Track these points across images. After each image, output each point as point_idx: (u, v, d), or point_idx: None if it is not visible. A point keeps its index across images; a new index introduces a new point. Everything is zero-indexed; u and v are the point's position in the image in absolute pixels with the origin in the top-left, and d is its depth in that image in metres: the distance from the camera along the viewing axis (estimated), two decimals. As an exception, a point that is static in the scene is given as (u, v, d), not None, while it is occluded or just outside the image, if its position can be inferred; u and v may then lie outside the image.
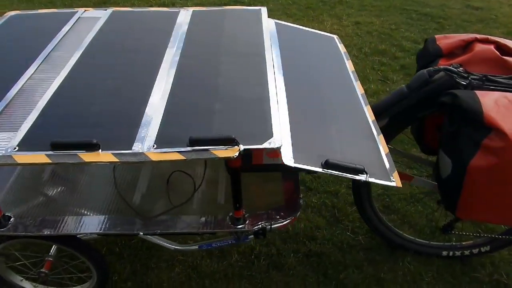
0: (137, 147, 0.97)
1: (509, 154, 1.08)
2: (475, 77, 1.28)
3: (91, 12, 1.66)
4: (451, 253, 1.69)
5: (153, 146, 0.97)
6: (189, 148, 0.96)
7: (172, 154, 0.96)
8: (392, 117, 1.41)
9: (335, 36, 1.76)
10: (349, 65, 1.55)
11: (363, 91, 1.41)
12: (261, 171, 1.36)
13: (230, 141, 0.96)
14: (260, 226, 1.19)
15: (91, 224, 1.21)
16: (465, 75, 1.28)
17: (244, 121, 1.05)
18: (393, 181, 1.06)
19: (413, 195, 1.96)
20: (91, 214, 1.25)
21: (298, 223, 1.80)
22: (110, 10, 1.67)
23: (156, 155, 0.95)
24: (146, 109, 1.09)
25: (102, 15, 1.63)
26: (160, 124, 1.04)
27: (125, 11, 1.67)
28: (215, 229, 1.19)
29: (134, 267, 1.63)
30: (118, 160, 0.94)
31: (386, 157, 1.14)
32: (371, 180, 1.03)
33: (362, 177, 1.03)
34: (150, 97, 1.14)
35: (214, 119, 1.05)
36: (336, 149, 1.09)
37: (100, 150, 0.96)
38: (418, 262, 1.68)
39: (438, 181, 1.33)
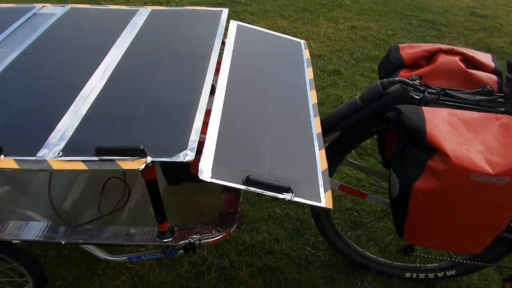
0: (41, 154, 0.91)
1: (451, 178, 0.98)
2: (432, 90, 1.19)
3: (49, 8, 1.61)
4: (414, 275, 1.59)
5: (59, 153, 0.91)
6: (95, 158, 0.90)
7: (76, 164, 0.89)
8: (346, 130, 1.33)
9: (302, 41, 1.68)
10: (309, 73, 1.46)
11: (316, 101, 1.32)
12: (201, 181, 1.29)
13: (138, 152, 0.89)
14: (188, 241, 1.12)
15: (13, 230, 1.16)
16: (422, 88, 1.19)
17: (162, 130, 0.98)
18: (323, 201, 0.98)
19: (383, 210, 1.87)
20: (19, 220, 1.20)
21: (257, 235, 1.72)
22: (68, 7, 1.62)
23: (58, 164, 0.89)
24: (66, 113, 1.03)
25: (58, 11, 1.58)
26: (74, 130, 0.98)
27: (83, 8, 1.62)
28: (140, 241, 1.12)
29: (80, 272, 1.58)
30: (19, 168, 0.89)
31: (322, 174, 1.06)
32: (297, 199, 0.95)
33: (286, 196, 0.95)
34: (75, 101, 1.08)
35: (132, 127, 0.99)
36: (265, 164, 1.01)
37: (3, 155, 0.91)
38: (379, 283, 1.59)
39: (390, 200, 1.24)
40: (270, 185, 0.95)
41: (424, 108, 1.06)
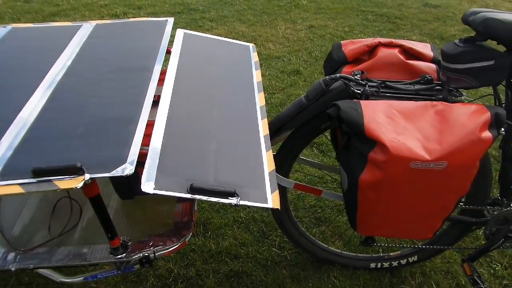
0: (-25, 180, 0.89)
1: (392, 167, 1.01)
2: (373, 84, 1.22)
3: (-11, 30, 1.57)
4: (379, 265, 1.62)
5: (-6, 178, 0.89)
6: (32, 180, 0.88)
7: (12, 187, 0.87)
8: (296, 129, 1.35)
9: (250, 45, 1.69)
10: (257, 75, 1.48)
11: (264, 103, 1.34)
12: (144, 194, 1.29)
13: (75, 170, 0.88)
14: (142, 255, 1.11)
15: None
16: (363, 82, 1.22)
17: (102, 146, 0.97)
18: (269, 202, 0.99)
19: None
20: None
21: (222, 241, 1.72)
22: (9, 27, 1.58)
23: (-8, 189, 0.87)
24: (3, 137, 1.01)
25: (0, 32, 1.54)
26: (12, 154, 0.96)
27: (25, 27, 1.58)
28: (93, 260, 1.10)
29: (43, 297, 1.54)
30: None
31: (269, 175, 1.07)
32: (243, 203, 0.96)
33: (232, 201, 0.95)
34: (13, 123, 1.05)
35: (71, 146, 0.97)
36: (210, 170, 1.01)
37: None
38: (345, 277, 1.61)
39: (343, 194, 1.27)
40: (215, 191, 0.95)
41: (362, 102, 1.09)
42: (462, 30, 3.74)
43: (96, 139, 0.99)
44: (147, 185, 0.91)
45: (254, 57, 1.60)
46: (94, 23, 1.60)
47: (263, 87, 2.81)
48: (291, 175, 2.08)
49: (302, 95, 1.30)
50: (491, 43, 1.14)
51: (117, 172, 0.89)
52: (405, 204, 1.09)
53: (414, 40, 2.15)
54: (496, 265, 1.71)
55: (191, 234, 1.18)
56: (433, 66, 1.28)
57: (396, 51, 1.30)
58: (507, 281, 1.65)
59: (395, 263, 1.60)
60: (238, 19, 3.90)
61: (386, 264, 1.61)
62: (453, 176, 1.03)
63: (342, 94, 1.23)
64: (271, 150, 1.15)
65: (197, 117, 1.18)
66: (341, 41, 1.40)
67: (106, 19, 1.66)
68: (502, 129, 1.21)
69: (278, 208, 0.99)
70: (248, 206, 0.98)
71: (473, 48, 1.11)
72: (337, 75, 1.23)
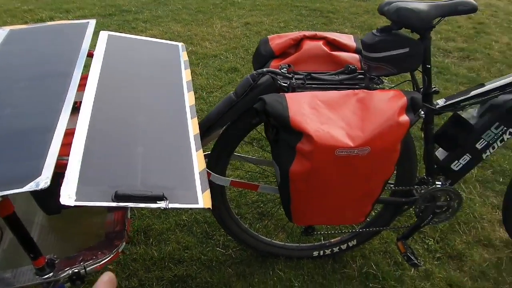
0: None
1: (319, 157, 1.04)
2: (299, 76, 1.23)
3: None
4: (321, 253, 1.66)
5: None
6: None
7: None
8: (228, 126, 1.34)
9: (180, 44, 1.66)
10: (186, 75, 1.45)
11: (194, 103, 1.31)
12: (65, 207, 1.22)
13: None
14: (71, 272, 1.05)
15: None
16: (289, 75, 1.23)
17: (14, 160, 0.90)
18: (200, 202, 0.97)
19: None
20: None
21: (165, 247, 1.68)
22: None
23: None
24: None
25: None
26: None
27: None
28: (17, 284, 1.03)
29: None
30: None
31: (200, 175, 1.05)
32: (172, 206, 0.93)
33: (160, 205, 0.93)
34: None
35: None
36: (137, 175, 0.98)
37: None
38: (290, 268, 1.63)
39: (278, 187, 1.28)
40: (142, 197, 0.91)
41: (287, 95, 1.10)
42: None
43: (8, 152, 0.92)
44: (67, 197, 0.86)
45: (184, 56, 1.57)
46: (7, 29, 1.49)
47: (201, 86, 2.78)
48: (232, 172, 2.07)
49: (231, 92, 1.30)
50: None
51: (31, 186, 0.83)
52: (335, 191, 1.12)
53: (346, 33, 2.23)
54: (429, 240, 1.81)
55: (124, 243, 1.13)
56: (357, 56, 1.32)
57: (320, 43, 1.33)
58: (440, 254, 1.76)
59: (336, 249, 1.65)
60: (173, 19, 3.83)
61: (328, 251, 1.65)
62: (377, 160, 1.07)
63: (270, 88, 1.23)
64: (201, 150, 1.14)
65: (121, 122, 1.13)
66: (268, 36, 1.41)
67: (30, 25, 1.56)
68: (422, 112, 1.28)
69: (209, 208, 0.98)
70: (178, 209, 0.95)
71: (389, 37, 1.17)
72: (264, 69, 1.24)
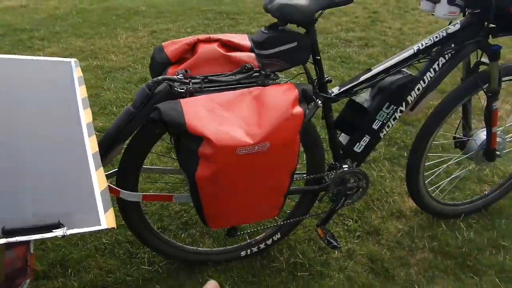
0: None
1: (221, 158, 1.04)
2: (196, 81, 1.23)
3: None
4: (249, 252, 1.67)
5: None
6: None
7: None
8: (132, 140, 1.29)
9: (72, 60, 1.57)
10: (81, 92, 1.37)
11: (91, 120, 1.25)
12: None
13: None
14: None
15: None
16: (186, 80, 1.22)
17: None
18: (103, 223, 0.92)
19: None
20: None
21: (86, 275, 1.58)
22: None
23: None
24: None
25: None
26: None
27: None
28: None
29: None
30: None
31: (101, 194, 1.00)
32: (71, 232, 0.88)
33: (57, 233, 0.87)
34: None
35: None
36: (28, 206, 0.91)
37: None
38: (220, 272, 1.62)
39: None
40: (34, 228, 0.85)
41: (182, 101, 1.09)
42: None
43: None
44: None
45: (77, 73, 1.48)
46: None
47: (110, 101, 2.67)
48: (152, 185, 2.02)
49: (130, 104, 1.26)
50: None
51: None
52: (244, 189, 1.13)
53: (252, 33, 2.27)
54: (348, 221, 1.91)
55: (28, 281, 1.04)
56: (252, 54, 1.35)
57: (215, 45, 1.34)
58: (359, 232, 1.86)
59: (262, 245, 1.67)
60: (73, 34, 3.63)
61: (255, 249, 1.67)
62: (279, 153, 1.10)
63: (168, 95, 1.21)
64: (101, 168, 1.08)
65: (6, 151, 1.04)
66: (162, 43, 1.39)
67: None
68: (319, 101, 1.34)
69: (114, 227, 0.93)
70: (80, 233, 0.90)
71: (276, 34, 1.20)
72: (159, 77, 1.22)
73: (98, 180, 1.04)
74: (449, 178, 2.07)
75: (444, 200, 2.00)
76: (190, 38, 1.36)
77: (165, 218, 1.85)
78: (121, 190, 1.29)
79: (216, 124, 1.04)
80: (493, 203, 2.02)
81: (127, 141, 1.32)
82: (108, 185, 1.27)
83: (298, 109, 1.10)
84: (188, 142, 1.06)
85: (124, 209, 1.41)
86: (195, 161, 1.07)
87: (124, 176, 1.34)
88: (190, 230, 1.80)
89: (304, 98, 1.14)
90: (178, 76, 1.22)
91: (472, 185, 2.17)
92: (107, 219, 0.94)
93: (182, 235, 1.77)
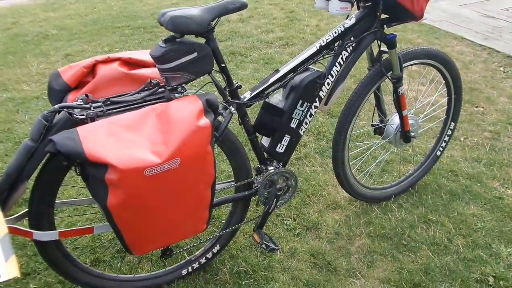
0: None
1: (130, 182, 0.99)
2: (97, 104, 1.16)
3: None
4: (190, 269, 1.62)
5: None
6: None
7: None
8: (39, 175, 1.20)
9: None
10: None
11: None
12: None
13: None
14: None
15: None
16: (87, 105, 1.15)
17: None
18: (3, 274, 0.84)
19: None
20: None
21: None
22: None
23: None
24: None
25: None
26: None
27: None
28: None
29: None
30: None
31: (1, 243, 0.91)
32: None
33: None
34: None
35: None
36: None
37: None
38: (161, 296, 1.56)
39: (110, 223, 1.19)
40: None
41: (79, 129, 1.02)
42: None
43: None
44: None
45: None
46: None
47: (26, 134, 2.49)
48: (80, 217, 1.90)
49: (27, 139, 1.16)
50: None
51: None
52: (162, 210, 1.09)
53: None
54: (287, 220, 1.93)
55: None
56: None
57: (115, 65, 1.28)
58: (299, 229, 1.88)
59: (203, 260, 1.63)
60: (-24, 67, 3.35)
61: (196, 265, 1.63)
62: (192, 168, 1.07)
63: (68, 124, 1.14)
64: (1, 213, 0.99)
65: None
66: (58, 69, 1.30)
67: None
68: (233, 108, 1.33)
69: (18, 276, 0.85)
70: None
71: (174, 46, 1.17)
72: (55, 106, 1.14)
73: (-2, 226, 0.95)
74: (375, 163, 2.17)
75: (374, 185, 2.08)
76: (88, 61, 1.29)
77: (98, 249, 1.75)
78: (34, 231, 1.19)
79: (119, 148, 0.99)
80: (419, 180, 2.13)
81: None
82: (18, 228, 1.18)
83: (204, 121, 1.08)
84: (93, 171, 1.00)
85: (43, 250, 1.31)
86: (105, 189, 1.01)
87: (36, 215, 1.24)
88: (126, 257, 1.71)
89: (209, 108, 1.12)
90: (77, 102, 1.15)
91: (398, 166, 2.28)
92: (8, 269, 0.85)
93: (118, 264, 1.69)
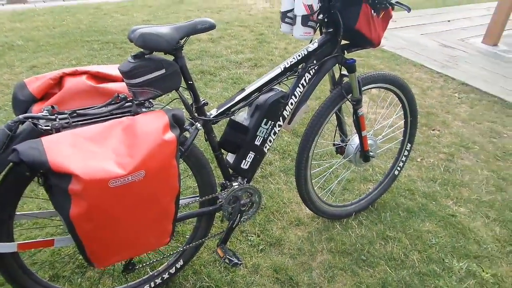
0: None
1: (93, 193, 1.00)
2: (63, 116, 1.17)
3: None
4: (153, 284, 1.61)
5: None
6: None
7: None
8: (1, 185, 1.19)
9: None
10: None
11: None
12: None
13: None
14: None
15: None
16: (52, 117, 1.16)
17: None
18: None
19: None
20: None
21: None
22: None
23: None
24: None
25: None
26: None
27: None
28: None
29: None
30: None
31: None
32: None
33: None
34: None
35: None
36: None
37: None
38: (122, 312, 1.54)
39: (71, 235, 1.19)
40: None
41: (44, 139, 1.03)
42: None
43: None
44: None
45: None
46: None
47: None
48: (40, 231, 1.85)
49: (-12, 149, 1.15)
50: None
51: None
52: (126, 222, 1.10)
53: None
54: (251, 236, 1.96)
55: None
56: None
57: (83, 78, 1.29)
58: (262, 245, 1.92)
59: (166, 275, 1.63)
60: None
61: (158, 280, 1.62)
62: (157, 180, 1.10)
63: (32, 134, 1.14)
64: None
65: None
66: (24, 80, 1.30)
67: None
68: (199, 124, 1.37)
69: None
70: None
71: (143, 62, 1.21)
72: (20, 116, 1.14)
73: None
74: (336, 181, 2.25)
75: (336, 203, 2.15)
76: (55, 73, 1.30)
77: (57, 265, 1.71)
78: (-10, 243, 1.17)
79: (83, 159, 1.00)
80: (378, 199, 2.22)
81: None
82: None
83: (169, 135, 1.11)
84: (56, 182, 1.00)
85: (0, 263, 1.28)
86: (67, 200, 1.01)
87: (-6, 227, 1.21)
88: (87, 272, 1.68)
89: (176, 122, 1.15)
90: (42, 113, 1.15)
91: (359, 185, 2.37)
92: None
93: (78, 280, 1.65)
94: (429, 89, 3.75)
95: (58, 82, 1.29)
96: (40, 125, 1.13)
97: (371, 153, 1.92)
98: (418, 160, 2.68)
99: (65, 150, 1.00)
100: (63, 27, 4.45)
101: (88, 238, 1.07)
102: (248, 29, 4.77)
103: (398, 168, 2.22)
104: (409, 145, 2.17)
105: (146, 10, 5.35)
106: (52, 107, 1.19)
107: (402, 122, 2.12)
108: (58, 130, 1.13)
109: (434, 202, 2.29)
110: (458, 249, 1.99)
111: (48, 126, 1.13)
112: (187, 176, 2.17)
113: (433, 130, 3.08)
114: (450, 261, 1.92)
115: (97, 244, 1.10)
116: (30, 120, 1.13)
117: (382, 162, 2.57)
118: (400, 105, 2.03)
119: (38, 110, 1.22)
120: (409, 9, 1.51)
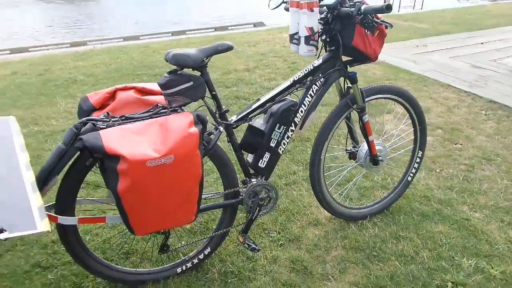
0: None
1: (135, 171, 1.32)
2: (115, 119, 1.53)
3: None
4: (184, 267, 1.89)
5: None
6: None
7: None
8: (66, 173, 1.54)
9: (10, 117, 1.82)
10: (19, 140, 1.62)
11: (28, 159, 1.50)
12: None
13: None
14: None
15: None
16: (107, 119, 1.52)
17: None
18: (38, 227, 1.16)
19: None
20: None
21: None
22: None
23: None
24: None
25: None
26: None
27: None
28: None
29: None
30: None
31: (39, 209, 1.24)
32: (13, 235, 1.11)
33: (3, 236, 1.10)
34: None
35: None
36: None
37: None
38: (159, 288, 1.83)
39: (118, 210, 1.51)
40: None
41: (101, 131, 1.38)
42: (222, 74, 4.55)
43: None
44: None
45: (15, 126, 1.72)
46: None
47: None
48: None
49: (60, 143, 1.52)
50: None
51: None
52: (159, 197, 1.41)
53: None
54: (273, 233, 2.20)
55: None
56: (163, 97, 1.68)
57: (131, 91, 1.66)
58: (282, 241, 2.15)
59: (195, 260, 1.91)
60: (12, 106, 3.82)
61: (189, 264, 1.90)
62: (183, 165, 1.41)
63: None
64: (38, 192, 1.33)
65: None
66: (87, 94, 1.69)
67: None
68: (221, 128, 1.68)
69: (49, 230, 1.17)
70: (19, 236, 1.13)
71: (175, 77, 1.55)
72: (84, 118, 1.51)
73: (36, 200, 1.28)
74: (351, 183, 2.45)
75: (351, 205, 2.35)
76: (110, 88, 1.68)
77: (108, 251, 2.04)
78: (59, 216, 1.51)
79: (129, 145, 1.33)
80: (392, 203, 2.40)
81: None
82: (47, 214, 1.51)
83: (193, 129, 1.42)
84: (108, 163, 1.34)
85: (63, 234, 1.62)
86: (116, 177, 1.34)
87: (61, 206, 1.56)
88: (130, 258, 2.00)
89: (199, 120, 1.47)
90: (100, 117, 1.52)
91: (377, 192, 2.55)
92: (43, 225, 1.17)
93: (124, 263, 1.97)
94: (456, 107, 3.86)
95: (112, 95, 1.67)
96: (98, 125, 1.48)
97: (380, 157, 2.13)
98: (437, 171, 2.81)
99: (115, 139, 1.34)
100: (117, 63, 5.05)
101: (131, 209, 1.39)
102: (281, 59, 5.14)
103: (411, 175, 2.39)
104: (420, 152, 2.35)
105: (190, 47, 5.90)
106: (107, 113, 1.56)
107: (411, 130, 2.32)
108: (111, 127, 1.48)
109: (449, 208, 2.42)
110: (469, 249, 2.10)
111: (104, 126, 1.48)
112: (212, 177, 2.47)
113: (456, 144, 3.19)
114: (460, 259, 2.03)
115: (137, 215, 1.41)
116: (91, 121, 1.50)
117: (400, 171, 2.73)
118: (407, 114, 2.24)
119: (97, 116, 1.59)
120: (391, 26, 1.76)
